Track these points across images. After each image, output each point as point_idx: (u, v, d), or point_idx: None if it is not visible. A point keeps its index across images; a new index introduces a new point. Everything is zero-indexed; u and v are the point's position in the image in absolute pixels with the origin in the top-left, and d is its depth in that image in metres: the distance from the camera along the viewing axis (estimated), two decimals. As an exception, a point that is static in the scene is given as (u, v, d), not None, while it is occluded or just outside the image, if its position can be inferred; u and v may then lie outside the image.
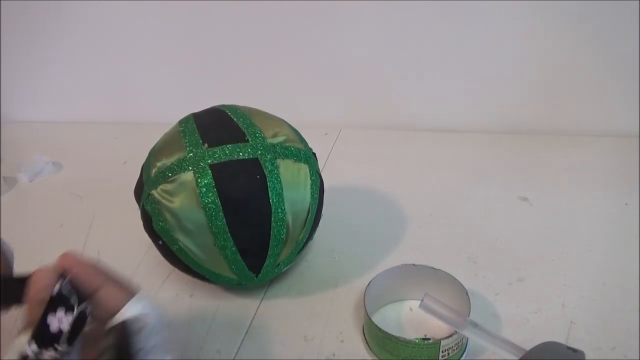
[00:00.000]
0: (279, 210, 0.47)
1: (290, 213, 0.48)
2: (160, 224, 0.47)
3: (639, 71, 0.75)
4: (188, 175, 0.46)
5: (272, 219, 0.47)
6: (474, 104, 0.85)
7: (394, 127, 0.89)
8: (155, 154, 0.51)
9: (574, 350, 0.37)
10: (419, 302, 0.44)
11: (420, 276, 0.49)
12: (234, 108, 0.52)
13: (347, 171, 0.76)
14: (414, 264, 0.50)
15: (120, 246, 0.61)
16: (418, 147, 0.83)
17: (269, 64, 0.89)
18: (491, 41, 0.79)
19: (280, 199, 0.47)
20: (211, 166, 0.46)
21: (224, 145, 0.47)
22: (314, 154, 0.54)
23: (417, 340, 0.42)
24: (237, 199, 0.46)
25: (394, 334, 0.43)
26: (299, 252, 0.52)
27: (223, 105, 0.53)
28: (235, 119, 0.50)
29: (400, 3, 0.78)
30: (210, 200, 0.45)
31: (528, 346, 0.39)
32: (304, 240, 0.52)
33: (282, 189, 0.47)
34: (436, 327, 0.47)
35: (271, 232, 0.47)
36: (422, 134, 0.86)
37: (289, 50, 0.87)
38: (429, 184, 0.72)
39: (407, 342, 0.42)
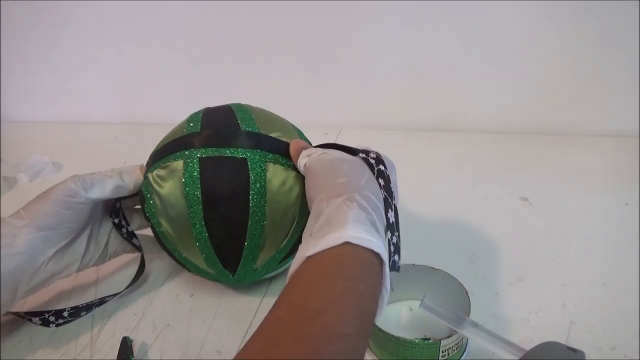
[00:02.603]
0: (258, 215, 0.47)
1: (271, 220, 0.48)
2: (150, 206, 0.49)
3: (639, 71, 0.75)
4: (179, 164, 0.48)
5: (249, 222, 0.47)
6: (474, 104, 0.85)
7: (394, 127, 0.89)
8: (163, 140, 0.53)
9: (574, 350, 0.37)
10: (419, 302, 0.44)
11: (420, 276, 0.49)
12: (243, 108, 0.53)
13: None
14: (414, 264, 0.50)
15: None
16: (418, 147, 0.83)
17: (269, 64, 0.89)
18: (491, 41, 0.79)
19: (261, 205, 0.47)
20: (200, 159, 0.47)
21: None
22: None
23: (417, 340, 0.42)
24: (216, 195, 0.47)
25: (394, 334, 0.43)
26: (283, 260, 0.51)
27: (236, 104, 0.54)
28: (238, 118, 0.51)
29: (401, 3, 0.78)
30: (192, 191, 0.47)
31: (528, 346, 0.39)
32: (288, 249, 0.50)
33: (265, 195, 0.47)
34: (436, 327, 0.47)
35: (247, 235, 0.47)
36: (422, 134, 0.86)
37: (289, 51, 0.87)
38: (428, 184, 0.72)
39: (407, 342, 0.42)
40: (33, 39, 0.95)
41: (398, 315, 0.50)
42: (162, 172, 0.49)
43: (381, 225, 0.38)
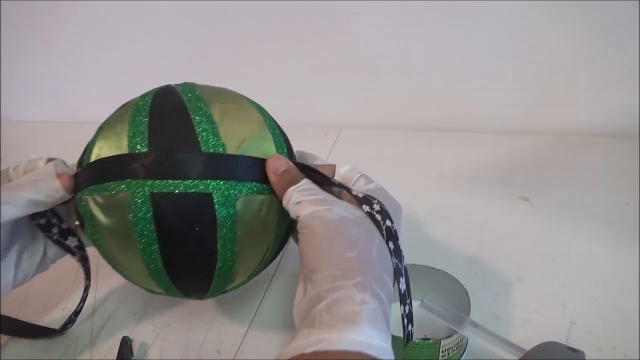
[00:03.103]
0: (228, 253, 0.40)
1: (243, 255, 0.41)
2: (93, 231, 0.41)
3: (639, 71, 0.75)
4: (124, 197, 0.38)
5: (217, 264, 0.40)
6: (474, 104, 0.85)
7: (394, 127, 0.89)
8: (100, 136, 0.42)
9: (574, 350, 0.37)
10: (419, 302, 0.44)
11: (420, 276, 0.49)
12: (199, 103, 0.42)
13: (347, 171, 0.76)
14: (413, 264, 0.50)
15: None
16: (418, 147, 0.83)
17: (268, 63, 0.89)
18: (491, 41, 0.79)
19: (232, 244, 0.40)
20: (152, 195, 0.38)
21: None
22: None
23: (417, 340, 0.42)
24: (176, 239, 0.39)
25: (394, 334, 0.43)
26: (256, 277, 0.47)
27: (189, 91, 0.44)
28: (195, 124, 0.40)
29: (400, 3, 0.78)
30: (144, 232, 0.39)
31: (528, 346, 0.39)
32: (260, 271, 0.46)
33: (236, 232, 0.40)
34: (436, 327, 0.47)
35: (215, 274, 0.41)
36: (422, 134, 0.86)
37: (289, 50, 0.87)
38: (429, 184, 0.72)
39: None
40: (33, 39, 0.95)
41: (398, 315, 0.50)
42: (102, 200, 0.39)
43: (389, 308, 0.34)
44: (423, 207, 0.66)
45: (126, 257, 0.41)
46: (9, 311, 0.52)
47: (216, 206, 0.38)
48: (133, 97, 0.45)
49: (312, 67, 0.88)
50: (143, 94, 0.45)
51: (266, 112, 0.47)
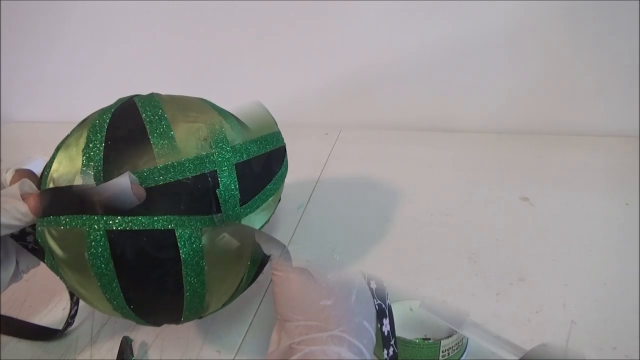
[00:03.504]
0: (196, 290, 0.38)
1: (212, 289, 0.39)
2: (53, 264, 0.39)
3: (639, 71, 0.75)
4: (79, 234, 0.35)
5: (185, 300, 0.38)
6: (473, 103, 0.85)
7: (394, 127, 0.89)
8: (57, 159, 0.39)
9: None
10: (419, 302, 0.44)
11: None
12: (159, 128, 0.38)
13: (347, 171, 0.76)
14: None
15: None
16: (418, 147, 0.83)
17: (268, 63, 0.89)
18: (491, 41, 0.79)
19: (199, 281, 0.37)
20: (108, 233, 0.35)
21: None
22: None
23: (417, 340, 0.42)
24: (136, 279, 0.36)
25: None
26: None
27: (150, 107, 0.39)
28: (155, 150, 0.36)
29: (400, 2, 0.78)
30: (102, 271, 0.35)
31: (528, 346, 0.39)
32: (236, 297, 0.44)
33: (203, 268, 0.37)
34: (436, 327, 0.47)
35: (184, 308, 0.39)
36: (423, 134, 0.86)
37: (289, 50, 0.87)
38: (429, 184, 0.72)
39: (407, 342, 0.42)
40: (34, 39, 0.95)
41: (398, 315, 0.50)
42: (57, 234, 0.36)
43: (370, 356, 0.32)
44: (423, 207, 0.66)
45: (88, 292, 0.38)
46: (9, 311, 0.52)
47: (180, 243, 0.36)
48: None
49: (312, 67, 0.88)
50: (102, 110, 0.41)
51: (239, 126, 0.42)
